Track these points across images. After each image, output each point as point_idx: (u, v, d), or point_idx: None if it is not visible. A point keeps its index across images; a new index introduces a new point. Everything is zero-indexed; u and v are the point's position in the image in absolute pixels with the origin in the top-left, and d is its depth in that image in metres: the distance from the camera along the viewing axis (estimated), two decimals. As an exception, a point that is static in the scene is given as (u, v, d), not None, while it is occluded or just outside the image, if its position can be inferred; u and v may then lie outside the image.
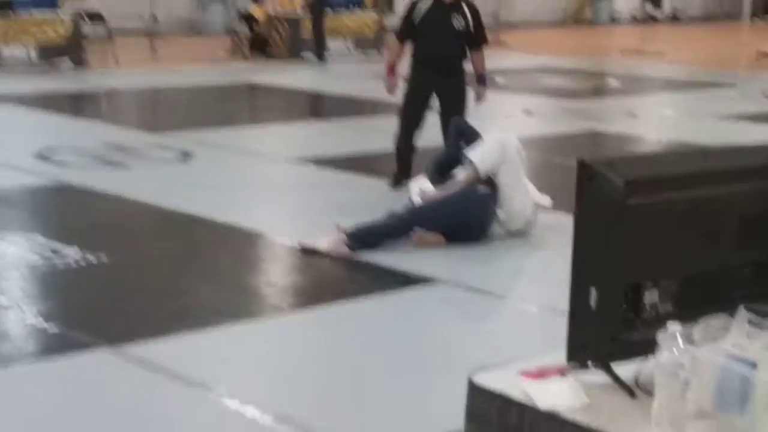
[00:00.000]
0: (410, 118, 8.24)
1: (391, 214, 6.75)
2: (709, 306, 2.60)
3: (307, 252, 6.39)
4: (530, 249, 6.87)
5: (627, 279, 2.48)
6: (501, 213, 6.93)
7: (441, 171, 7.20)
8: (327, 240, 6.42)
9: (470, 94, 8.33)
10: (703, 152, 2.66)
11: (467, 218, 6.75)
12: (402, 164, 8.29)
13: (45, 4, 15.69)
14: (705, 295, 2.60)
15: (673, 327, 2.27)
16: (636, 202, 2.44)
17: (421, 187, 7.15)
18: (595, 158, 2.47)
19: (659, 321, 2.51)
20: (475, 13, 8.16)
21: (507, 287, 6.20)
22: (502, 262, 6.64)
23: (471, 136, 7.26)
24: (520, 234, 6.97)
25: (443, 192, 6.94)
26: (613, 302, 2.46)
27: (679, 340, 2.24)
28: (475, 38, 8.20)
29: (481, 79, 8.39)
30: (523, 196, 6.95)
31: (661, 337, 2.27)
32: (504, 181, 6.91)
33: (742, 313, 2.38)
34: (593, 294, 2.44)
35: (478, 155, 6.91)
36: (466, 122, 7.63)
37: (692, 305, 2.57)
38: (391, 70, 8.34)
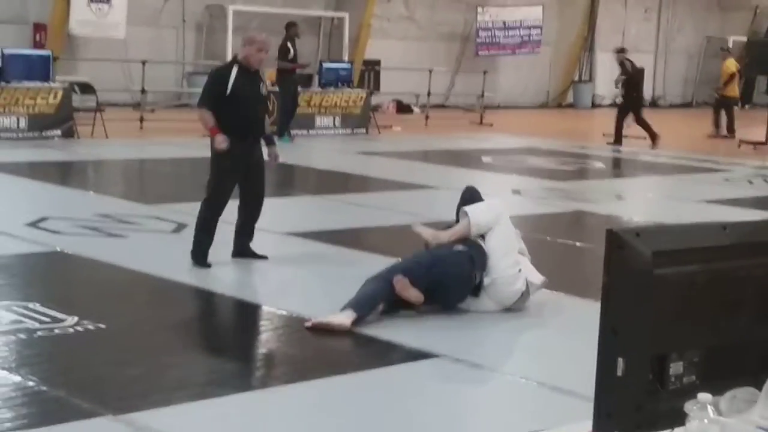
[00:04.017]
0: (227, 191, 7.98)
1: (373, 277, 6.72)
2: (731, 378, 2.65)
3: (318, 329, 6.25)
4: (526, 324, 6.88)
5: (654, 349, 2.53)
6: (487, 279, 6.89)
7: None
8: (336, 316, 6.32)
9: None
10: (725, 225, 2.72)
11: (445, 271, 6.72)
12: (209, 240, 7.86)
13: (38, 76, 15.75)
14: (728, 367, 2.64)
15: (703, 397, 2.31)
16: (662, 273, 2.49)
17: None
18: (621, 228, 2.52)
19: (683, 392, 2.55)
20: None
21: (505, 363, 6.20)
22: (499, 336, 6.66)
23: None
24: (514, 310, 6.97)
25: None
26: (640, 372, 2.50)
27: (710, 411, 2.27)
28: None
29: (270, 140, 8.43)
30: (511, 268, 6.91)
31: (689, 407, 2.30)
32: (493, 246, 6.92)
33: (769, 386, 2.42)
34: (620, 364, 2.48)
35: (473, 208, 7.04)
36: (476, 190, 7.50)
37: (715, 377, 2.61)
38: (217, 130, 7.84)
